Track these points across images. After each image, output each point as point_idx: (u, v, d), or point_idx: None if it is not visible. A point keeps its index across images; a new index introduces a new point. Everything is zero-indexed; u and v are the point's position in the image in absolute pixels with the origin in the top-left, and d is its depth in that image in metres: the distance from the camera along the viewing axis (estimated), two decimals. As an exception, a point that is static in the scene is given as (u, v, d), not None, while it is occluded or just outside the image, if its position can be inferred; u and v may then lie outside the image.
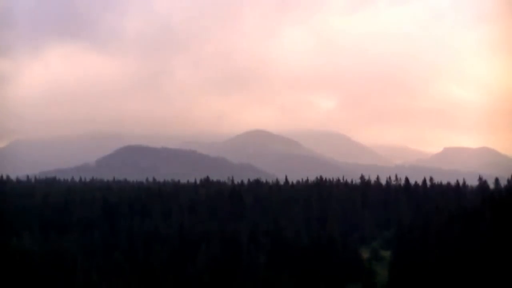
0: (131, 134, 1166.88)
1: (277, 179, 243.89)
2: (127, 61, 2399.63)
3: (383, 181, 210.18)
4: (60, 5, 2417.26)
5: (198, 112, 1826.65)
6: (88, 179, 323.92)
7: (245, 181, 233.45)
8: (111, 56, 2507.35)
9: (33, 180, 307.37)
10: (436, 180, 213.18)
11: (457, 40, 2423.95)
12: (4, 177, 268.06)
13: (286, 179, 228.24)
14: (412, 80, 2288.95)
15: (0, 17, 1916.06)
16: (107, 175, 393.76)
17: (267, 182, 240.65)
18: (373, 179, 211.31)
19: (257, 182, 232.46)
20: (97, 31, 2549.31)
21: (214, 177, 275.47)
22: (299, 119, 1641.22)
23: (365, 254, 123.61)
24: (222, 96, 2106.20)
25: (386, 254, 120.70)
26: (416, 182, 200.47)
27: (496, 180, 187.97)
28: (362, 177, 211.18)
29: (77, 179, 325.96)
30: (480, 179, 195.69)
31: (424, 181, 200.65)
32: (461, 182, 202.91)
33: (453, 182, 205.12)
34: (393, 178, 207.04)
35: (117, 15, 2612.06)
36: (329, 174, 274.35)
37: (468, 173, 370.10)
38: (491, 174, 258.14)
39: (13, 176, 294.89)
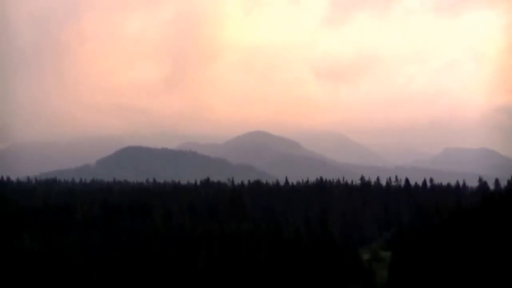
0: (131, 135, 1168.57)
1: (277, 180, 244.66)
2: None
3: (383, 182, 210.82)
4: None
5: (198, 113, 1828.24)
6: (88, 180, 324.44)
7: (245, 182, 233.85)
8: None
9: (33, 181, 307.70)
10: (436, 181, 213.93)
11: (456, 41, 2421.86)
12: (5, 178, 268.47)
13: (286, 180, 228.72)
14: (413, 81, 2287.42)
15: None
16: (107, 176, 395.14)
17: (267, 183, 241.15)
18: (373, 180, 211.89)
19: (257, 183, 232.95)
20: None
21: (214, 178, 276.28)
22: (299, 120, 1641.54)
23: (365, 255, 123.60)
24: (221, 96, 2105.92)
25: (386, 255, 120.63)
26: (416, 183, 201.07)
27: (496, 181, 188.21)
28: (362, 178, 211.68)
29: (77, 180, 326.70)
30: (480, 180, 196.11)
31: (424, 182, 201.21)
32: (461, 183, 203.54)
33: (453, 183, 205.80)
34: (393, 179, 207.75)
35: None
36: (329, 175, 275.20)
37: (468, 174, 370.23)
38: (491, 175, 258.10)
39: (13, 178, 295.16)
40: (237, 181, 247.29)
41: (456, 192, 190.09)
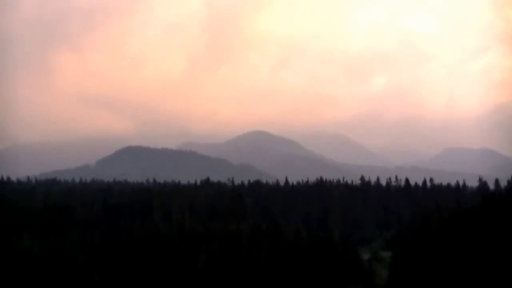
0: (132, 135, 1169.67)
1: (277, 180, 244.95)
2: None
3: (383, 182, 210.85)
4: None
5: (198, 112, 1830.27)
6: (88, 180, 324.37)
7: (246, 182, 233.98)
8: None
9: (33, 181, 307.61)
10: (436, 181, 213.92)
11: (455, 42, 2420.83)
12: (5, 178, 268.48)
13: (286, 180, 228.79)
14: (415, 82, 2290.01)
15: None
16: (107, 176, 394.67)
17: (267, 183, 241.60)
18: (373, 180, 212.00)
19: (257, 183, 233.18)
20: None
21: (214, 178, 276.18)
22: (299, 120, 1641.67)
23: (365, 254, 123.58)
24: (222, 96, 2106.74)
25: (386, 254, 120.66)
26: (416, 183, 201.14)
27: (496, 181, 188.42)
28: (362, 178, 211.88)
29: (77, 180, 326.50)
30: (480, 180, 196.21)
31: (424, 182, 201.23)
32: (461, 183, 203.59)
33: (453, 183, 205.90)
34: (393, 179, 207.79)
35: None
36: (329, 175, 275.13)
37: (468, 174, 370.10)
38: (491, 175, 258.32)
39: (13, 178, 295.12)
40: (237, 181, 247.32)
41: (456, 192, 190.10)
